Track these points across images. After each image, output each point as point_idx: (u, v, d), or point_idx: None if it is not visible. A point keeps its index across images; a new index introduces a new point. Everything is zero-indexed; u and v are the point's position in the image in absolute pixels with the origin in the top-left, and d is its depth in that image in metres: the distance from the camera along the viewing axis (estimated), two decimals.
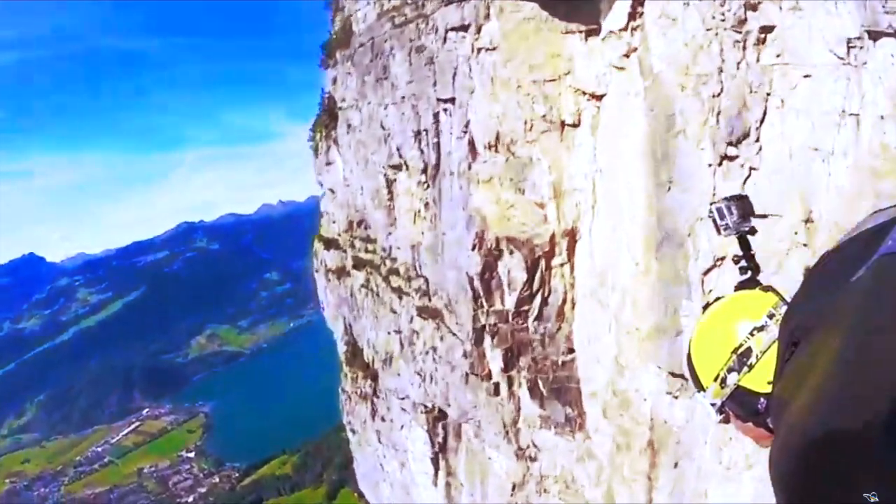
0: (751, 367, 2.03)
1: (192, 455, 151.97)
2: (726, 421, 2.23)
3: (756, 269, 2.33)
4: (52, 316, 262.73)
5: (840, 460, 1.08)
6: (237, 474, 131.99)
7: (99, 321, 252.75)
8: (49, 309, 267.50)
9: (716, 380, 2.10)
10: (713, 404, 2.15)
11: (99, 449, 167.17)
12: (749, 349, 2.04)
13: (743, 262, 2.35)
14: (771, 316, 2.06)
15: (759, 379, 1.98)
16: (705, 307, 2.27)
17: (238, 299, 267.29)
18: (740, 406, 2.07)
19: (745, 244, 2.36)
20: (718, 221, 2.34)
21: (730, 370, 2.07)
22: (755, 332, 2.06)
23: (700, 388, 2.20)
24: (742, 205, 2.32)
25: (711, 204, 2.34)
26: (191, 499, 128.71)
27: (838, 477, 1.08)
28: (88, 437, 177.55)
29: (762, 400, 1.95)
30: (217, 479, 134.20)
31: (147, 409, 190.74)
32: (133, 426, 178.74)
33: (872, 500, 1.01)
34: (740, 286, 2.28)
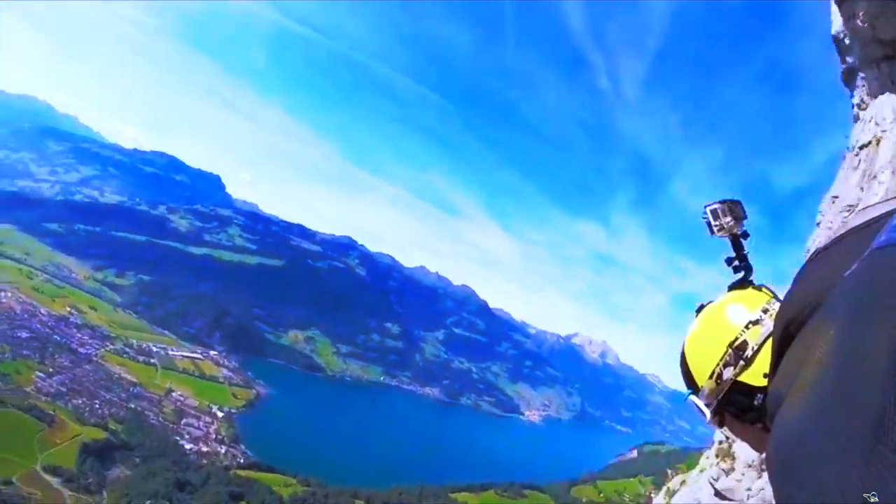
0: (746, 360, 2.03)
1: (220, 415, 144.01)
2: (721, 423, 2.21)
3: (749, 269, 2.32)
4: (198, 229, 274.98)
5: (836, 457, 1.07)
6: (242, 461, 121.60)
7: (230, 260, 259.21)
8: (200, 221, 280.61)
9: (711, 377, 2.10)
10: (708, 404, 2.14)
11: (155, 348, 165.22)
12: (745, 342, 2.04)
13: (736, 263, 2.34)
14: (765, 311, 2.07)
15: (755, 373, 1.99)
16: (699, 309, 2.26)
17: (352, 326, 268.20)
18: (736, 404, 2.07)
19: (737, 245, 2.36)
20: (713, 222, 2.33)
21: (725, 365, 2.06)
22: (750, 326, 2.07)
23: (694, 388, 2.20)
24: (735, 208, 2.32)
25: (706, 206, 2.32)
26: (187, 446, 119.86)
27: (835, 474, 1.06)
28: (154, 334, 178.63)
29: (759, 395, 1.95)
30: (222, 450, 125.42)
31: (215, 352, 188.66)
32: (194, 355, 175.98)
33: (872, 500, 1.01)
34: (733, 287, 2.29)
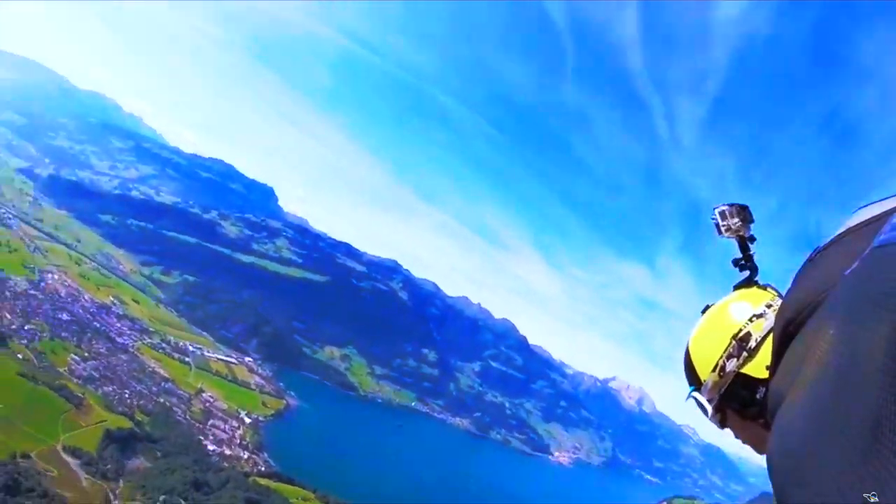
0: (750, 351, 2.06)
1: (247, 421, 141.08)
2: (723, 423, 2.25)
3: (754, 269, 2.40)
4: (247, 237, 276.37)
5: (835, 456, 1.06)
6: (262, 469, 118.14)
7: (276, 271, 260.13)
8: (249, 230, 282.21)
9: (714, 369, 2.13)
10: (710, 400, 2.18)
11: (191, 347, 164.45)
12: (748, 334, 2.08)
13: (742, 263, 2.43)
14: (769, 306, 2.15)
15: (759, 365, 2.01)
16: (705, 309, 2.34)
17: (389, 349, 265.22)
18: (738, 398, 2.08)
19: (744, 247, 2.43)
20: (720, 222, 2.41)
21: (729, 357, 2.10)
22: (754, 319, 2.13)
23: (697, 383, 2.24)
24: (743, 211, 2.40)
25: (715, 208, 2.43)
26: (210, 447, 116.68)
27: (835, 473, 1.06)
28: (193, 334, 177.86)
29: (761, 389, 1.97)
30: (245, 456, 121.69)
31: (250, 359, 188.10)
32: (229, 358, 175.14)
33: (873, 500, 0.99)
34: (739, 286, 2.37)
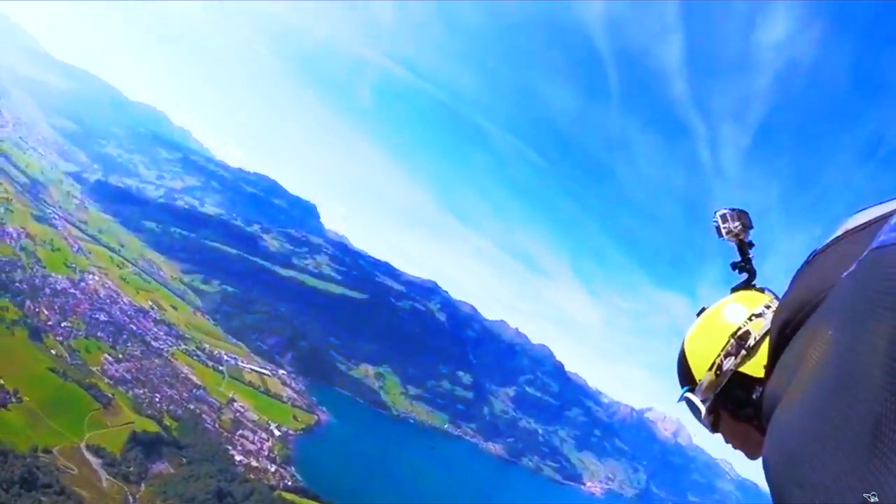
0: (748, 350, 2.06)
1: (277, 434, 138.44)
2: (715, 425, 2.22)
3: (752, 273, 2.44)
4: (287, 252, 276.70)
5: (835, 457, 1.05)
6: (289, 483, 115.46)
7: (314, 286, 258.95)
8: (291, 245, 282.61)
9: (711, 368, 2.13)
10: (704, 400, 2.16)
11: (225, 356, 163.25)
12: (747, 332, 2.09)
13: (741, 265, 2.47)
14: (767, 307, 2.17)
15: (757, 364, 2.00)
16: (700, 311, 2.37)
17: (424, 369, 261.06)
18: (734, 398, 2.07)
19: (743, 251, 2.48)
20: (721, 225, 2.47)
21: (727, 355, 2.09)
22: (753, 318, 2.14)
23: (691, 383, 2.23)
24: (743, 217, 2.47)
25: (716, 211, 2.50)
26: (237, 458, 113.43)
27: (835, 474, 1.05)
28: (228, 343, 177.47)
29: (757, 388, 1.96)
30: (272, 469, 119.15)
31: (284, 372, 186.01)
32: (262, 370, 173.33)
33: (872, 500, 0.98)
34: (736, 289, 2.41)
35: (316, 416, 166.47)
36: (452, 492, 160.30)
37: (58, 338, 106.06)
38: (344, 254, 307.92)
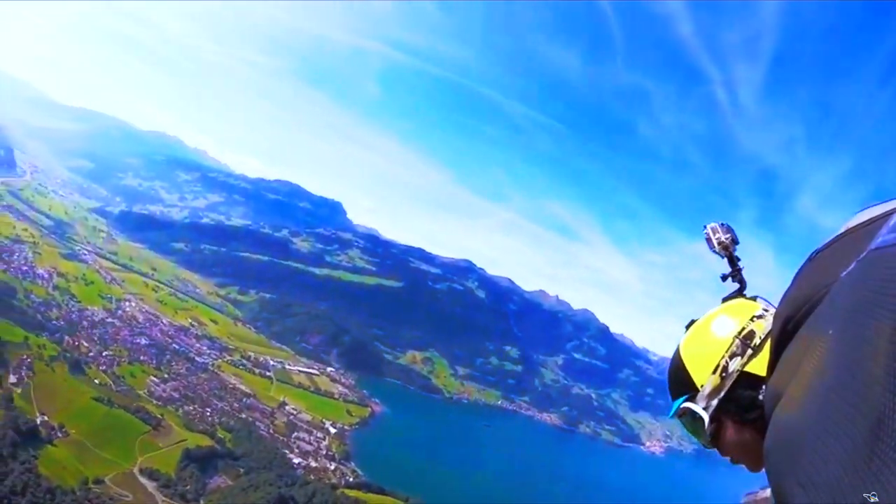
0: (755, 349, 2.04)
1: (332, 431, 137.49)
2: (716, 435, 2.15)
3: (743, 283, 2.44)
4: (319, 251, 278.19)
5: (836, 456, 1.05)
6: (351, 479, 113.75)
7: (350, 280, 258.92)
8: (321, 244, 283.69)
9: (715, 370, 2.09)
10: (706, 407, 2.11)
11: (272, 362, 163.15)
12: (752, 332, 2.08)
13: (732, 275, 2.48)
14: (766, 310, 2.18)
15: (762, 363, 1.96)
16: (689, 325, 2.34)
17: (469, 349, 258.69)
18: (740, 401, 2.03)
19: (732, 261, 2.50)
20: (712, 236, 2.52)
21: (732, 356, 2.06)
22: (755, 319, 2.14)
23: (691, 391, 2.18)
24: (731, 230, 2.53)
25: (706, 225, 2.56)
26: (295, 460, 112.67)
27: (836, 473, 1.04)
28: (272, 348, 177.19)
29: (763, 387, 1.91)
30: (332, 467, 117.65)
31: (332, 369, 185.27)
32: (310, 370, 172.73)
33: (872, 500, 0.98)
34: (727, 299, 2.39)
35: (369, 409, 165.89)
36: (513, 466, 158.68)
37: (101, 367, 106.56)
38: (375, 245, 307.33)
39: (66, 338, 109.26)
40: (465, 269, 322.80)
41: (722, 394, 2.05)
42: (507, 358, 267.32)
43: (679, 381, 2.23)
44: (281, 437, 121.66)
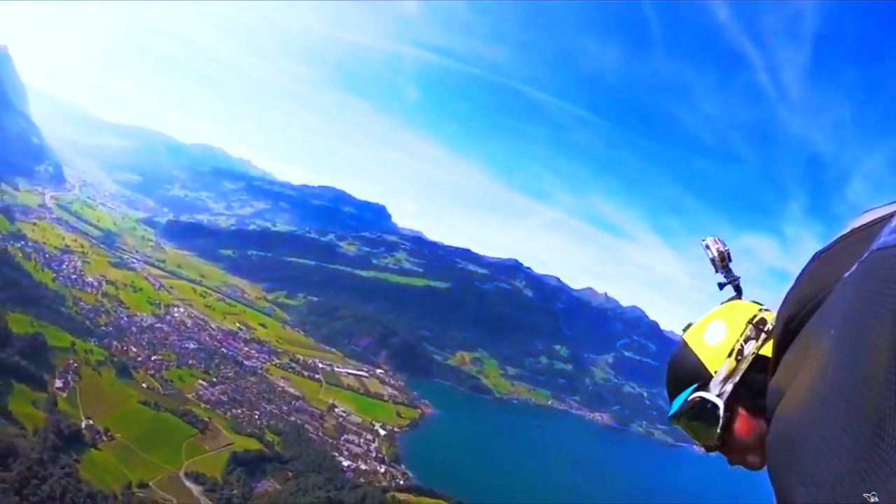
0: (768, 333, 2.04)
1: (382, 433, 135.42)
2: (728, 424, 2.07)
3: (740, 291, 2.49)
4: (365, 254, 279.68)
5: (838, 454, 1.05)
6: (401, 482, 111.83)
7: (398, 282, 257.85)
8: (367, 247, 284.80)
9: (730, 354, 2.07)
10: (721, 394, 2.07)
11: (320, 364, 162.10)
12: (763, 319, 2.10)
13: (729, 283, 2.53)
14: (768, 309, 2.19)
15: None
16: (686, 328, 2.38)
17: (519, 348, 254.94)
18: (753, 385, 2.00)
19: (729, 270, 2.56)
20: (712, 246, 2.60)
21: (746, 339, 2.07)
22: (762, 311, 2.18)
23: (701, 380, 2.15)
24: (725, 244, 2.60)
25: (704, 238, 2.63)
26: (345, 463, 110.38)
27: (837, 471, 1.05)
28: (321, 351, 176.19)
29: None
30: (381, 470, 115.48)
31: (381, 370, 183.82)
32: (359, 372, 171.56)
33: (872, 500, 0.98)
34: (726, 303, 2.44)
35: (419, 410, 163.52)
36: (565, 467, 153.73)
37: (149, 372, 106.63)
38: (421, 247, 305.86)
39: (115, 343, 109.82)
40: (513, 269, 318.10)
41: (738, 377, 2.03)
42: (557, 357, 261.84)
43: (687, 371, 2.21)
44: (330, 440, 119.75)
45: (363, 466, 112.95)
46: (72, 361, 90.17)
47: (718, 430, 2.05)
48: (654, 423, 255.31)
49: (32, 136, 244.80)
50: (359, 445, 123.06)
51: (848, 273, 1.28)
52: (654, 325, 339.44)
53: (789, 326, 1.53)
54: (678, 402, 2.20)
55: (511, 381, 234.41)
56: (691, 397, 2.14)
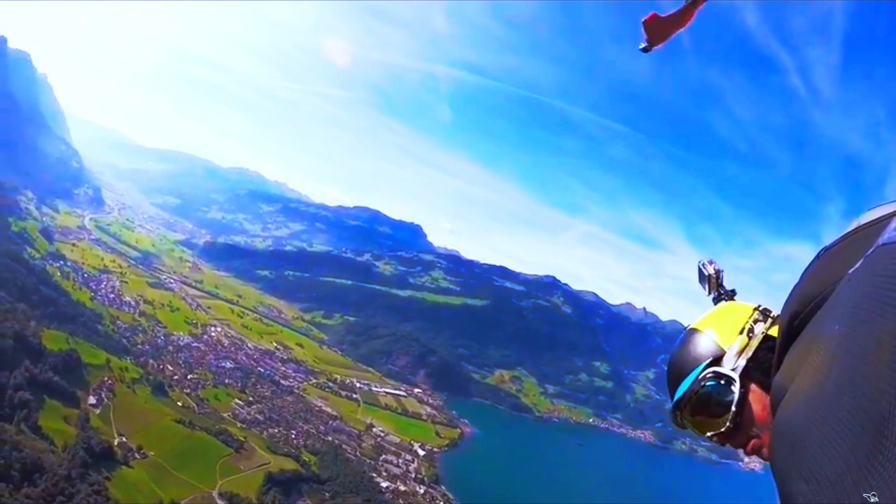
0: (773, 318, 2.11)
1: (421, 453, 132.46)
2: (743, 399, 2.05)
3: (733, 298, 2.58)
4: (402, 273, 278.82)
5: (840, 452, 1.05)
6: (441, 503, 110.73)
7: (435, 301, 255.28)
8: (404, 266, 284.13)
9: (742, 331, 2.13)
10: (734, 368, 2.07)
11: (358, 384, 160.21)
12: (767, 309, 2.18)
13: (724, 297, 2.60)
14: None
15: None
16: (685, 329, 2.40)
17: (559, 366, 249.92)
18: (764, 362, 2.02)
19: (721, 286, 2.66)
20: (707, 265, 2.73)
21: (756, 321, 2.14)
22: (761, 306, 2.23)
23: (715, 355, 2.15)
24: (717, 266, 2.71)
25: (699, 261, 2.76)
26: (383, 484, 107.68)
27: (840, 469, 1.04)
28: (358, 370, 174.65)
29: None
30: (421, 490, 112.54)
31: (419, 390, 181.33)
32: (397, 391, 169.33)
33: (872, 500, 0.97)
34: None
35: (459, 430, 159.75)
36: (608, 487, 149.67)
37: (185, 390, 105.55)
38: (458, 265, 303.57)
39: (150, 361, 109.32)
40: (550, 285, 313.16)
41: (751, 352, 2.05)
42: (597, 374, 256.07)
43: (696, 351, 2.19)
44: (368, 460, 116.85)
45: (402, 487, 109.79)
46: (106, 378, 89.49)
47: (734, 408, 2.02)
48: (698, 440, 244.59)
49: (72, 160, 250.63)
50: (397, 466, 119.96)
51: (852, 269, 1.28)
52: None
53: (793, 323, 1.53)
54: (688, 382, 2.15)
55: (551, 399, 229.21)
56: (704, 373, 2.12)
